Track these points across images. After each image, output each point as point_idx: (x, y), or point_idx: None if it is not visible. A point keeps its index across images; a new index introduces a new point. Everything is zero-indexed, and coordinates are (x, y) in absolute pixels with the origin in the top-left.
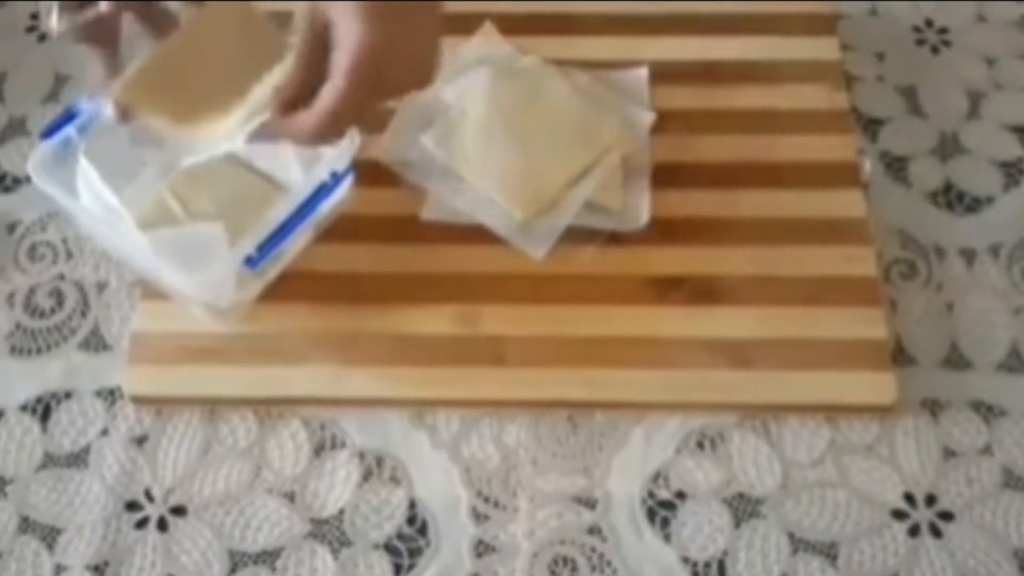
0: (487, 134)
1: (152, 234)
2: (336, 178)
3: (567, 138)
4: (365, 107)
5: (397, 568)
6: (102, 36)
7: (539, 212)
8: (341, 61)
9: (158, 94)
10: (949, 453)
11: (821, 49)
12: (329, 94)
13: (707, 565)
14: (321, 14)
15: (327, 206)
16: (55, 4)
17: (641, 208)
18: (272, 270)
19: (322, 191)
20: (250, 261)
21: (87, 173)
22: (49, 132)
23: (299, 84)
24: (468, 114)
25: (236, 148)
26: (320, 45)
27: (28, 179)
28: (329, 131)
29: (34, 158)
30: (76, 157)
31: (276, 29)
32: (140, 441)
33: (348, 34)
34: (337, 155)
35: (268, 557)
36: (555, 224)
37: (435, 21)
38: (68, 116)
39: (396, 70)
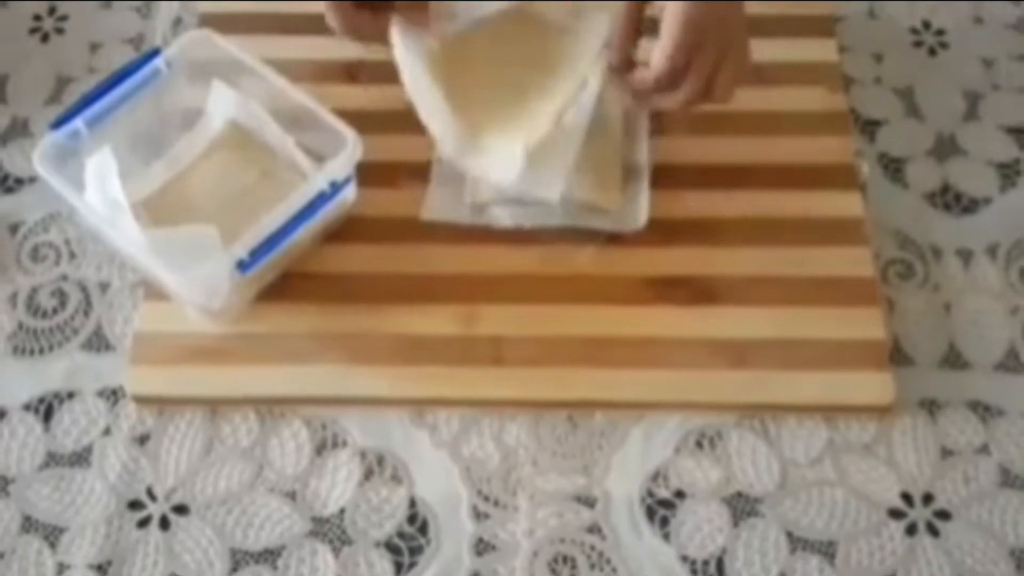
0: (471, 74)
1: (148, 232)
2: (335, 187)
3: (548, 68)
4: (695, 67)
5: (398, 567)
6: None
7: (540, 144)
8: (669, 24)
9: None
10: (946, 452)
11: (819, 50)
12: (660, 53)
13: (706, 564)
14: None
15: (328, 212)
16: None
17: (640, 208)
18: (268, 274)
19: (320, 200)
20: (241, 265)
21: (105, 163)
22: (59, 123)
23: (626, 52)
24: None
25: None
26: (639, 19)
27: (31, 180)
28: (667, 86)
29: (39, 150)
30: (81, 151)
31: None
32: (142, 440)
33: (675, 6)
34: (339, 164)
35: (269, 556)
36: (563, 158)
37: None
38: (77, 108)
39: (715, 36)
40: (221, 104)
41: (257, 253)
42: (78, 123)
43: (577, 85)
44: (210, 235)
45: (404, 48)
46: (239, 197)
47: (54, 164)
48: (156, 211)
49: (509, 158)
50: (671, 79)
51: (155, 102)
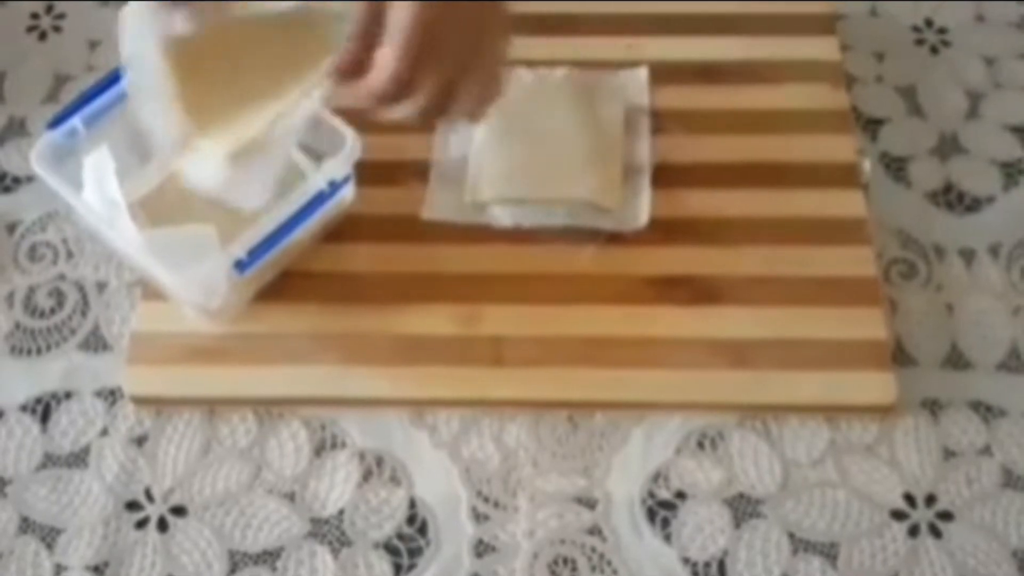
0: (211, 72)
1: (146, 232)
2: (334, 186)
3: (285, 72)
4: (428, 75)
5: (397, 568)
6: None
7: (244, 151)
8: (396, 25)
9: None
10: (949, 453)
11: (821, 49)
12: (386, 58)
13: (707, 565)
14: None
15: (327, 211)
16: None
17: (641, 207)
18: (266, 273)
19: (319, 199)
20: (239, 265)
21: (103, 162)
22: (56, 122)
23: (356, 54)
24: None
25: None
26: (376, 20)
27: (28, 179)
28: (394, 95)
29: (37, 149)
30: (78, 150)
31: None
32: (140, 441)
33: (404, 4)
34: (337, 163)
35: (268, 557)
36: (267, 169)
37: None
38: (75, 107)
39: (455, 42)
40: None
41: (255, 253)
42: (76, 122)
43: (303, 91)
44: (208, 234)
45: (140, 32)
46: None
47: (51, 163)
48: (154, 210)
49: (214, 163)
50: (398, 88)
51: None
